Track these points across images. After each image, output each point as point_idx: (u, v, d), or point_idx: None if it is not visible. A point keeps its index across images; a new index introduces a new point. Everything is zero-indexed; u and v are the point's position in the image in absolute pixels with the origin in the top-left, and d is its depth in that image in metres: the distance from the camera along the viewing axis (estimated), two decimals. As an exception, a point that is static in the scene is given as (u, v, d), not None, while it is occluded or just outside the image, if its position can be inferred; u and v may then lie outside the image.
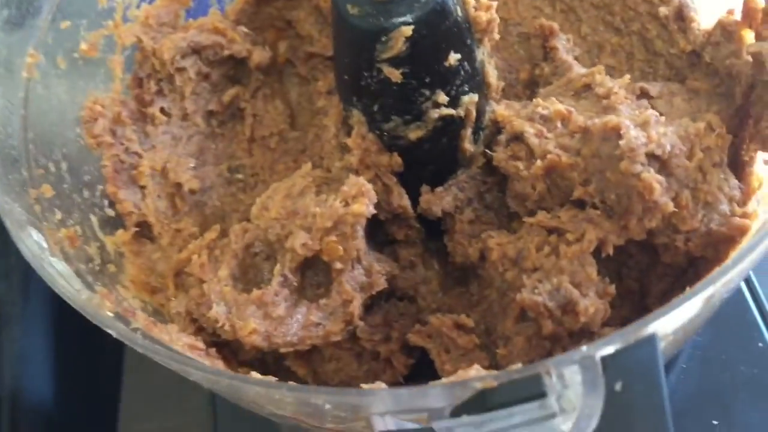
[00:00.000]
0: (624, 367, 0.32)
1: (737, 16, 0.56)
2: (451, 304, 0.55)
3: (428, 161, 0.55)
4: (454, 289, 0.57)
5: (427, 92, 0.50)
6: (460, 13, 0.49)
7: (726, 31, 0.56)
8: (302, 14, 0.73)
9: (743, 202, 0.50)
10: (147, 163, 0.61)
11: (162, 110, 0.65)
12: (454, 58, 0.50)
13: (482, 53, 0.53)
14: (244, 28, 0.71)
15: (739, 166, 0.52)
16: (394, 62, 0.48)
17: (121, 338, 0.39)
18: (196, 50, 0.66)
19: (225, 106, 0.69)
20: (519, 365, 0.36)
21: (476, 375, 0.38)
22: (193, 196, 0.63)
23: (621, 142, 0.45)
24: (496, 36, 0.53)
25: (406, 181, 0.56)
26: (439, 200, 0.55)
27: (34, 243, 0.42)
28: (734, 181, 0.50)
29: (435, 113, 0.51)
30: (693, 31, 0.61)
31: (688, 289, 0.37)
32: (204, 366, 0.44)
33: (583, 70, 0.60)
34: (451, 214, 0.55)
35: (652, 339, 0.33)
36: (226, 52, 0.67)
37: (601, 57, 0.67)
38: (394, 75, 0.49)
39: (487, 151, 0.54)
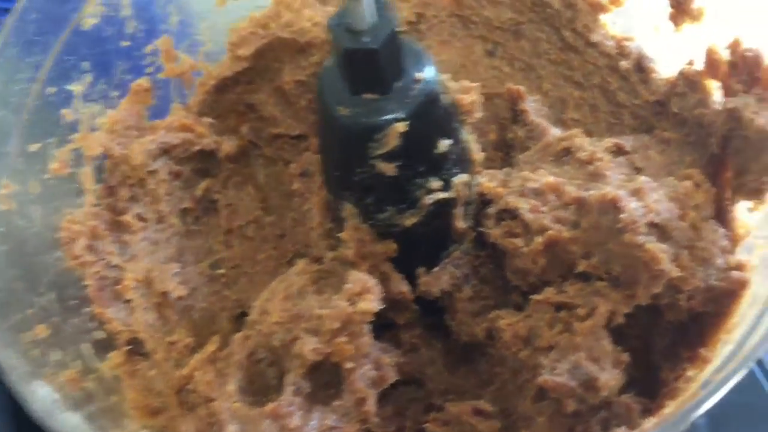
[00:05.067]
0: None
1: (698, 65, 0.58)
2: (461, 384, 0.55)
3: (422, 243, 0.55)
4: (460, 367, 0.56)
5: (421, 180, 0.50)
6: (445, 100, 0.50)
7: (689, 81, 0.59)
8: (263, 97, 0.72)
9: (732, 250, 0.51)
10: (130, 275, 0.59)
11: (137, 216, 0.63)
12: (444, 144, 0.50)
13: (466, 132, 0.53)
14: (208, 119, 0.70)
15: (722, 215, 0.54)
16: (388, 157, 0.48)
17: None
18: (167, 150, 0.65)
19: (198, 201, 0.68)
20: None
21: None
22: (180, 302, 0.61)
23: (622, 216, 0.45)
24: (479, 115, 0.54)
25: (400, 264, 0.55)
26: (436, 280, 0.55)
27: (43, 398, 0.39)
28: (722, 231, 0.51)
29: (429, 199, 0.51)
30: (654, 82, 0.63)
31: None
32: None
33: (559, 133, 0.61)
34: (449, 292, 0.55)
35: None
36: (196, 148, 0.66)
37: (565, 111, 0.68)
38: (389, 169, 0.48)
39: (481, 229, 0.54)
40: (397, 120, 0.46)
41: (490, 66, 0.72)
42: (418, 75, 0.47)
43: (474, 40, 0.72)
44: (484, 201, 0.56)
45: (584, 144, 0.56)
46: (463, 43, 0.73)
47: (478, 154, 0.55)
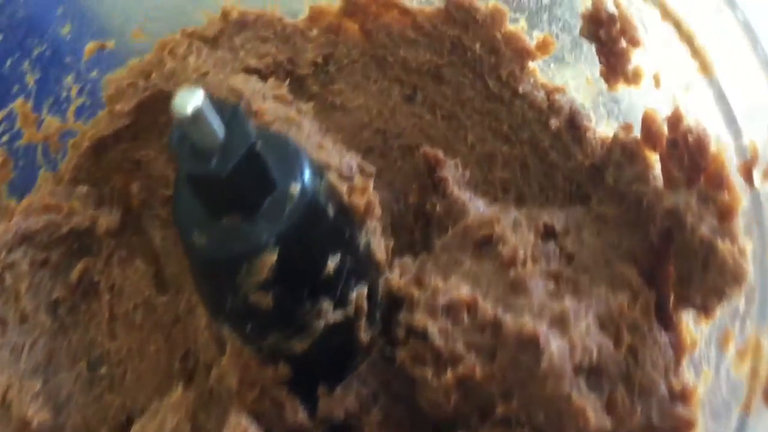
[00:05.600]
0: None
1: (636, 130, 0.50)
2: None
3: (321, 361, 0.47)
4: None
5: (308, 304, 0.42)
6: (331, 210, 0.41)
7: (626, 150, 0.51)
8: (152, 153, 0.63)
9: (678, 364, 0.44)
10: (-17, 398, 0.50)
11: (-6, 320, 0.54)
12: (333, 262, 0.41)
13: (365, 234, 0.45)
14: (83, 188, 0.60)
15: (665, 313, 0.46)
16: (263, 286, 0.39)
17: None
18: (27, 237, 0.55)
19: (73, 288, 0.58)
20: None
21: None
22: (45, 423, 0.52)
23: (543, 359, 0.38)
24: (378, 212, 0.45)
25: (299, 384, 0.47)
26: (339, 402, 0.47)
27: None
28: (665, 340, 0.44)
29: (320, 323, 0.43)
30: (589, 142, 0.55)
31: None
32: None
33: (481, 209, 0.53)
34: (356, 415, 0.47)
35: None
36: (65, 229, 0.57)
37: (493, 169, 0.60)
38: (264, 301, 0.40)
39: (388, 349, 0.46)
40: (266, 247, 0.38)
41: (410, 113, 0.63)
42: (293, 188, 0.38)
43: (391, 83, 0.63)
44: (394, 300, 0.48)
45: (506, 234, 0.48)
46: (378, 87, 0.64)
47: (382, 253, 0.47)
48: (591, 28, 0.48)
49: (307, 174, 0.39)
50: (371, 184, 0.44)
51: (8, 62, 0.54)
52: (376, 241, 0.47)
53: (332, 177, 0.42)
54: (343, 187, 0.43)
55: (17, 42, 0.54)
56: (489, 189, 0.59)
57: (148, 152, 0.63)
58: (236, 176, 0.35)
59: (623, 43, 0.47)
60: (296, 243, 0.39)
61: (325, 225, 0.41)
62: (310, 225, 0.39)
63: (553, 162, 0.57)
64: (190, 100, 0.32)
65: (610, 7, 0.47)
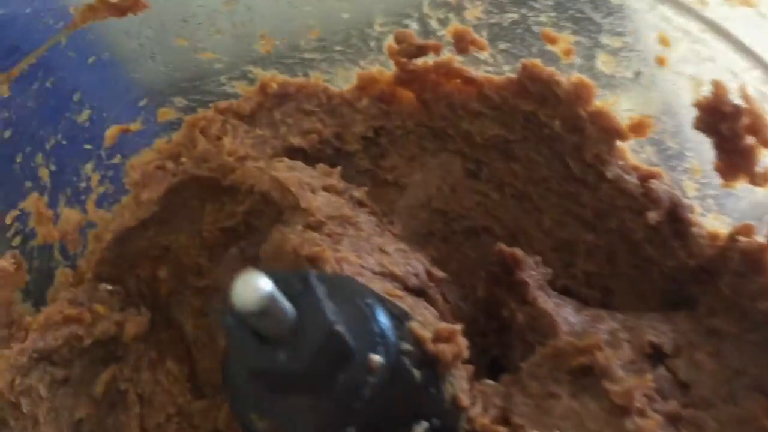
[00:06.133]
0: None
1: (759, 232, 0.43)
2: None
3: None
4: None
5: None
6: (417, 372, 0.33)
7: (748, 258, 0.43)
8: (182, 238, 0.56)
9: None
10: None
11: (7, 454, 0.47)
12: (420, 429, 0.34)
13: (451, 385, 0.37)
14: (107, 286, 0.53)
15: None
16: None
17: None
18: (45, 356, 0.48)
19: (99, 402, 0.51)
20: None
21: None
22: None
23: None
24: (467, 355, 0.37)
25: None
26: None
27: None
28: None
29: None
30: (694, 240, 0.47)
31: None
32: None
33: (570, 320, 0.45)
34: None
35: None
36: (88, 342, 0.50)
37: (575, 260, 0.52)
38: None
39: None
40: (346, 436, 0.30)
41: (474, 190, 0.55)
42: (373, 360, 0.31)
43: (451, 155, 0.56)
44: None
45: (611, 367, 0.40)
46: (437, 159, 0.56)
47: (467, 398, 0.39)
48: (708, 121, 0.41)
49: (387, 335, 0.32)
50: (459, 330, 0.36)
51: (18, 158, 0.47)
52: (461, 387, 0.39)
53: (414, 325, 0.35)
54: (427, 335, 0.35)
55: (28, 135, 0.46)
56: (571, 283, 0.52)
57: (178, 237, 0.56)
58: (310, 370, 0.27)
59: (750, 140, 0.39)
60: (379, 422, 0.31)
61: (411, 391, 0.33)
62: (394, 397, 0.32)
63: (648, 257, 0.49)
64: (256, 290, 0.24)
65: (735, 98, 0.39)
